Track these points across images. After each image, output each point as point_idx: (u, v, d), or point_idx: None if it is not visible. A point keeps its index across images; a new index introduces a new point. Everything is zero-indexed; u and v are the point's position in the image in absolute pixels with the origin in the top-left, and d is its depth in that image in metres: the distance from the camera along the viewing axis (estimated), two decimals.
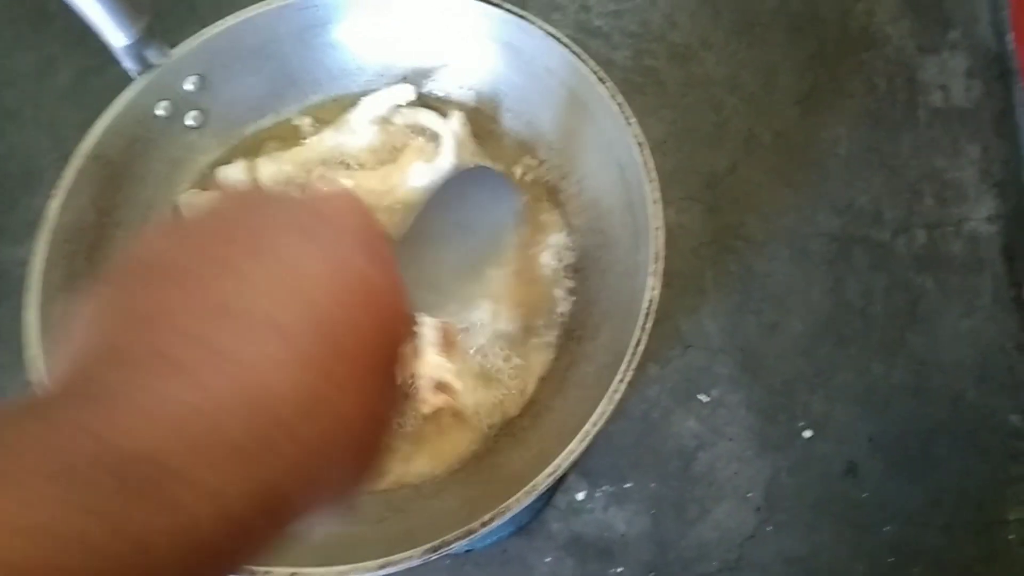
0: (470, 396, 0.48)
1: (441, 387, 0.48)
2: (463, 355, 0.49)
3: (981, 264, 0.83)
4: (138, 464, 0.19)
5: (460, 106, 0.55)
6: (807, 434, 0.78)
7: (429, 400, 0.48)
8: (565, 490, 0.78)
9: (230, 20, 0.51)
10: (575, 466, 0.78)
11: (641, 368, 0.82)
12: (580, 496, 0.77)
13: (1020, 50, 0.89)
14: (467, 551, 0.77)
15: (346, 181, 0.52)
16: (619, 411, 0.79)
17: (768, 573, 0.74)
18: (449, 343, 0.49)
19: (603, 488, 0.77)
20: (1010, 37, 0.91)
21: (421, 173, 0.52)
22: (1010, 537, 0.74)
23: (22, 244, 0.84)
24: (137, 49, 0.49)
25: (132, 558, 0.18)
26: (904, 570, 0.74)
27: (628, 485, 0.77)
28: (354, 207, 0.27)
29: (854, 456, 0.78)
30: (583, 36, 0.95)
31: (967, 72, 0.91)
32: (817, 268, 0.84)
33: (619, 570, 0.75)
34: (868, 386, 0.80)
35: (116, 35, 0.47)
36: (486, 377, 0.50)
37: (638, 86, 0.92)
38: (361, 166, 0.54)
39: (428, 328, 0.49)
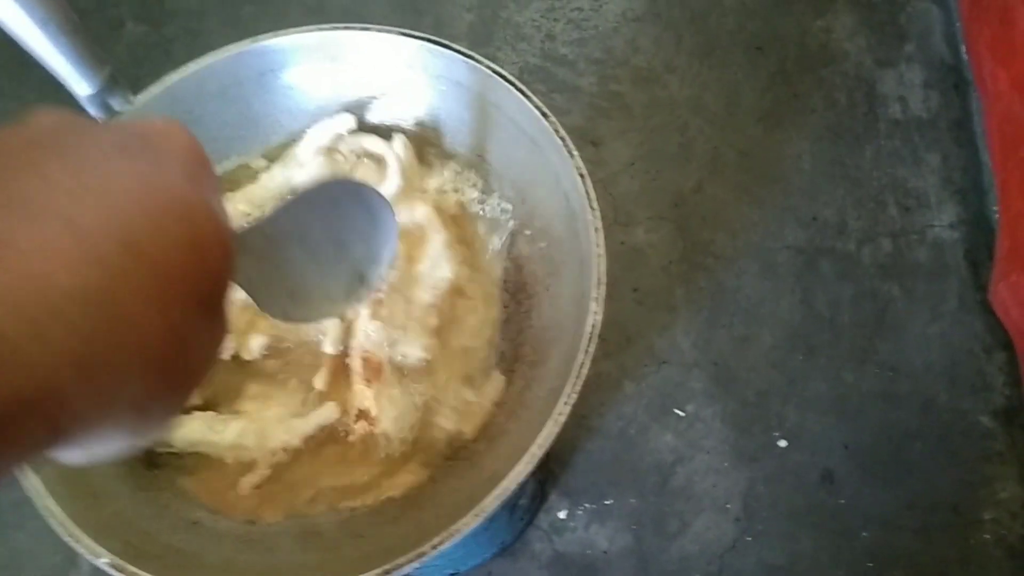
0: (393, 423, 0.49)
1: (361, 414, 0.49)
2: (390, 382, 0.50)
3: (946, 270, 0.85)
4: None
5: (408, 134, 0.57)
6: (782, 444, 0.80)
7: (354, 428, 0.50)
8: (547, 509, 0.79)
9: (192, 66, 0.53)
10: (543, 484, 0.79)
11: (616, 386, 0.84)
12: (562, 515, 0.79)
13: (974, 60, 0.91)
14: (452, 574, 0.78)
15: None
16: (596, 428, 0.81)
17: None
18: (374, 371, 0.50)
19: (584, 506, 0.79)
20: (964, 48, 0.94)
21: None
22: (985, 537, 0.75)
23: None
24: (102, 97, 0.51)
25: None
26: (883, 574, 0.75)
27: (608, 502, 0.79)
28: (180, 133, 0.27)
29: (829, 464, 0.79)
30: (550, 64, 0.98)
31: (924, 83, 0.94)
32: (785, 281, 0.86)
33: None
34: (840, 395, 0.81)
35: (80, 84, 0.49)
36: (432, 402, 0.51)
37: (604, 111, 0.94)
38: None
39: (353, 359, 0.50)
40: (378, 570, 0.40)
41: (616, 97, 0.95)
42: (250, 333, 0.54)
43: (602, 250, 0.45)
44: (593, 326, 0.44)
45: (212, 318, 0.27)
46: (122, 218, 0.23)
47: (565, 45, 0.99)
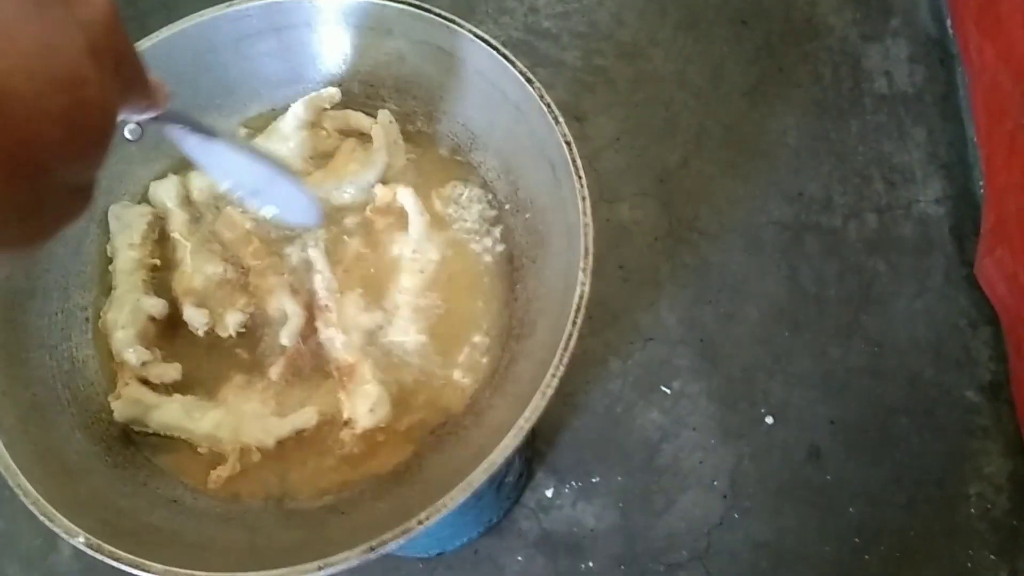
0: (368, 416, 0.48)
1: (347, 424, 0.48)
2: (363, 379, 0.49)
3: (931, 245, 0.85)
4: None
5: (391, 108, 0.55)
6: (769, 420, 0.79)
7: (341, 439, 0.48)
8: (534, 487, 0.78)
9: (164, 32, 0.51)
10: (530, 462, 0.78)
11: (602, 363, 0.83)
12: (548, 493, 0.78)
13: (959, 34, 0.90)
14: (439, 553, 0.77)
15: None
16: (582, 406, 0.80)
17: (737, 559, 0.75)
18: (348, 374, 0.49)
19: (571, 484, 0.78)
20: (949, 22, 0.93)
21: (354, 175, 0.52)
22: (971, 511, 0.75)
23: None
24: None
25: None
26: (869, 549, 0.75)
27: (595, 480, 0.78)
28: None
29: (816, 440, 0.79)
30: (532, 38, 0.96)
31: (909, 58, 0.93)
32: (771, 257, 0.85)
33: (590, 564, 0.76)
34: (826, 370, 0.81)
35: None
36: (415, 382, 0.50)
37: (589, 85, 0.93)
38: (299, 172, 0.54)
39: (332, 368, 0.49)
40: (363, 546, 0.39)
41: (600, 71, 0.94)
42: (227, 309, 0.52)
43: (589, 219, 0.44)
44: (581, 297, 0.43)
45: (69, 192, 0.26)
46: None
47: (548, 18, 0.97)
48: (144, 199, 0.55)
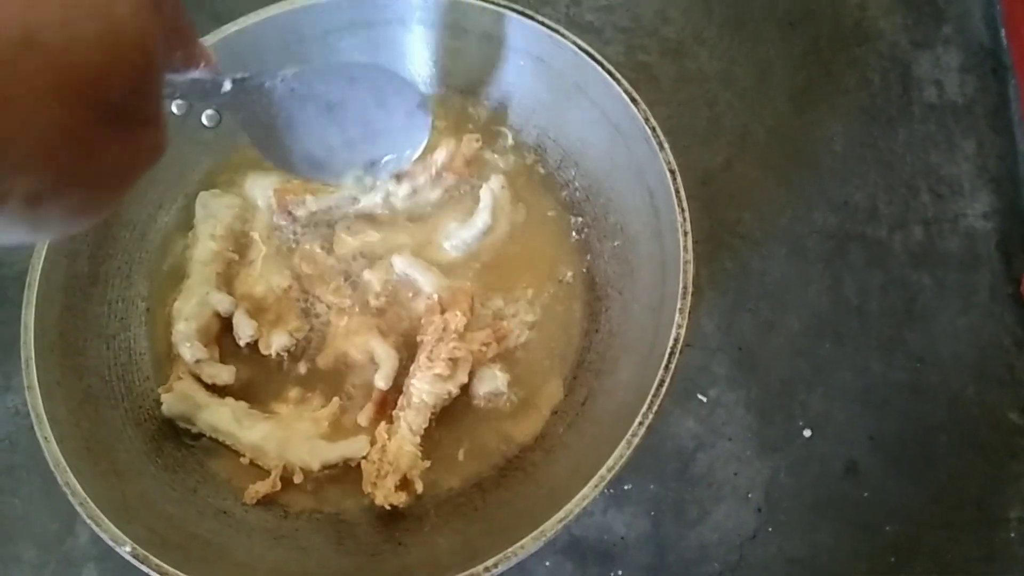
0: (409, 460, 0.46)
1: (403, 484, 0.46)
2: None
3: (978, 260, 0.83)
4: None
5: (477, 109, 0.52)
6: (806, 433, 0.78)
7: (388, 493, 0.46)
8: None
9: (252, 18, 0.49)
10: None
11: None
12: None
13: (1014, 45, 0.88)
14: None
15: (373, 235, 0.50)
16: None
17: (770, 574, 0.73)
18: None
19: (602, 491, 0.76)
20: (1003, 32, 0.91)
21: (453, 234, 0.50)
22: (1011, 535, 0.74)
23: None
24: None
25: None
26: (905, 569, 0.73)
27: (627, 487, 0.76)
28: None
29: (854, 455, 0.77)
30: (574, 31, 0.93)
31: (961, 67, 0.91)
32: (813, 266, 0.83)
33: (619, 573, 0.74)
34: (867, 385, 0.79)
35: None
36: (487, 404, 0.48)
37: (631, 82, 0.90)
38: (391, 221, 0.52)
39: (409, 413, 0.47)
40: None
41: (644, 68, 0.92)
42: (276, 330, 0.50)
43: (690, 255, 0.42)
44: (676, 340, 0.41)
45: (128, 127, 0.26)
46: (23, 4, 0.22)
47: (591, 11, 0.95)
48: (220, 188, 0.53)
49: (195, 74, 0.34)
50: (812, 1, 0.95)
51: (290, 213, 0.51)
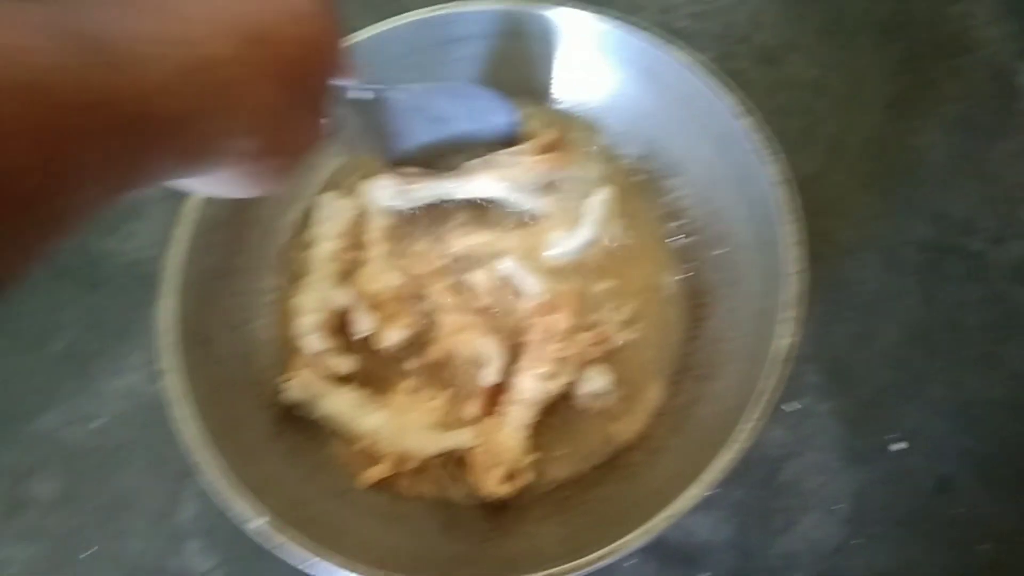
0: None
1: (508, 477, 0.48)
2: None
3: None
4: (102, 38, 0.25)
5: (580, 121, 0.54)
6: (897, 447, 0.77)
7: (494, 484, 0.48)
8: None
9: (379, 27, 0.51)
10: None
11: None
12: None
13: None
14: None
15: (481, 238, 0.52)
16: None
17: None
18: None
19: None
20: None
21: (558, 242, 0.52)
22: None
23: (113, 234, 0.85)
24: None
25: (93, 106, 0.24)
26: None
27: (713, 492, 0.76)
28: None
29: (947, 471, 0.76)
30: (666, 37, 0.94)
31: None
32: (908, 277, 0.82)
33: None
34: (961, 400, 0.78)
35: None
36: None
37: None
38: (499, 225, 0.54)
39: (515, 409, 0.48)
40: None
41: (736, 75, 0.91)
42: (390, 325, 0.52)
43: (801, 267, 0.43)
44: (789, 348, 0.42)
45: (312, 108, 0.35)
46: (252, 18, 0.30)
47: (683, 18, 0.95)
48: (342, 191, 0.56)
49: (347, 82, 0.38)
50: (909, 9, 0.94)
51: (405, 190, 0.52)
